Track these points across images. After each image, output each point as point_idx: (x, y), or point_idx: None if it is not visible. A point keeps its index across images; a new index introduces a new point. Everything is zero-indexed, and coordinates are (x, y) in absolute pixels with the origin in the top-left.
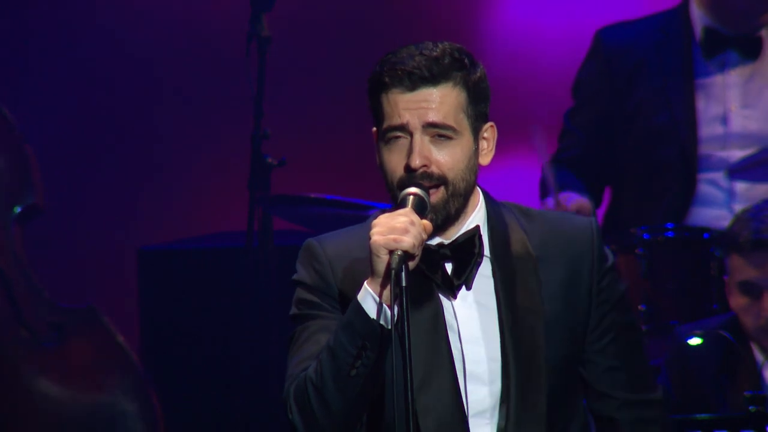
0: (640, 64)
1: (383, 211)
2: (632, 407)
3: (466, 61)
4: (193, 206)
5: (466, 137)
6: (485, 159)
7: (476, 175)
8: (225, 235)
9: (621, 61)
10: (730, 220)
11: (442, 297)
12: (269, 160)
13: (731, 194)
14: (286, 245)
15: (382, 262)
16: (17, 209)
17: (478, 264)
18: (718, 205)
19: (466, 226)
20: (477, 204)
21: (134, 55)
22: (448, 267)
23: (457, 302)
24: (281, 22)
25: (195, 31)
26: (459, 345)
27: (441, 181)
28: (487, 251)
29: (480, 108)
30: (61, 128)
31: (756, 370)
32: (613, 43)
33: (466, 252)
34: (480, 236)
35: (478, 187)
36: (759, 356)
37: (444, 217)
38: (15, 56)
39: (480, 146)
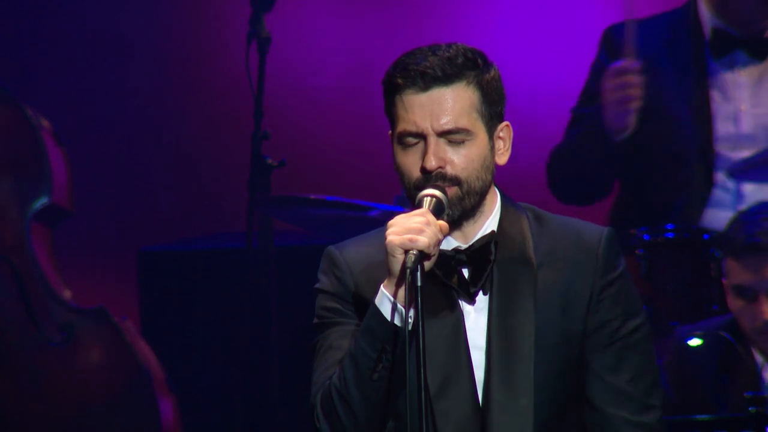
0: (652, 62)
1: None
2: (626, 428)
3: (479, 60)
4: (193, 207)
5: (481, 137)
6: (501, 159)
7: (492, 175)
8: (225, 235)
9: (632, 57)
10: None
11: (461, 302)
12: (269, 161)
13: (738, 196)
14: (286, 246)
15: (397, 262)
16: (34, 208)
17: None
18: (726, 207)
19: (482, 230)
20: (494, 207)
21: (134, 55)
22: (465, 272)
23: (468, 308)
24: (281, 22)
25: (195, 32)
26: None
27: (455, 182)
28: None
29: (494, 108)
30: (60, 129)
31: (756, 372)
32: (624, 38)
33: (483, 258)
34: (496, 242)
35: (496, 189)
36: (759, 357)
37: (460, 212)
38: (19, 57)
39: (496, 146)
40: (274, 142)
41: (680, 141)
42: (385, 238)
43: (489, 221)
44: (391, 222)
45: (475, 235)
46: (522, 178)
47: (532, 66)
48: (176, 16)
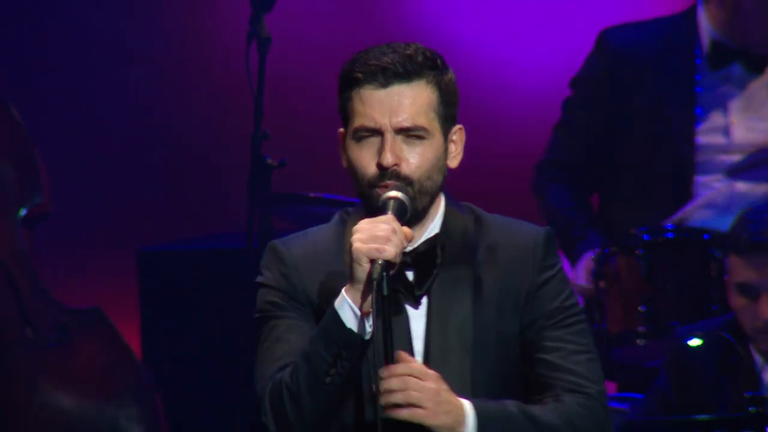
0: (642, 70)
1: (347, 212)
2: (566, 395)
3: (438, 61)
4: (193, 206)
5: (437, 138)
6: (453, 162)
7: (444, 177)
8: (225, 235)
9: (624, 65)
10: (731, 223)
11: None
12: (269, 161)
13: (731, 196)
14: None
15: (363, 270)
16: (23, 210)
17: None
18: (720, 209)
19: (427, 232)
20: (439, 209)
21: (134, 55)
22: (410, 275)
23: (411, 311)
24: (281, 22)
25: (195, 32)
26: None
27: (407, 181)
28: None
29: (450, 110)
30: (61, 129)
31: (756, 372)
32: (618, 45)
33: (428, 262)
34: (442, 245)
35: (441, 192)
36: (758, 358)
37: (411, 213)
38: (20, 58)
39: (449, 149)
40: (274, 142)
41: (657, 157)
42: (350, 243)
43: (433, 224)
44: (356, 227)
45: (420, 237)
46: (520, 174)
47: (531, 64)
48: (176, 16)
